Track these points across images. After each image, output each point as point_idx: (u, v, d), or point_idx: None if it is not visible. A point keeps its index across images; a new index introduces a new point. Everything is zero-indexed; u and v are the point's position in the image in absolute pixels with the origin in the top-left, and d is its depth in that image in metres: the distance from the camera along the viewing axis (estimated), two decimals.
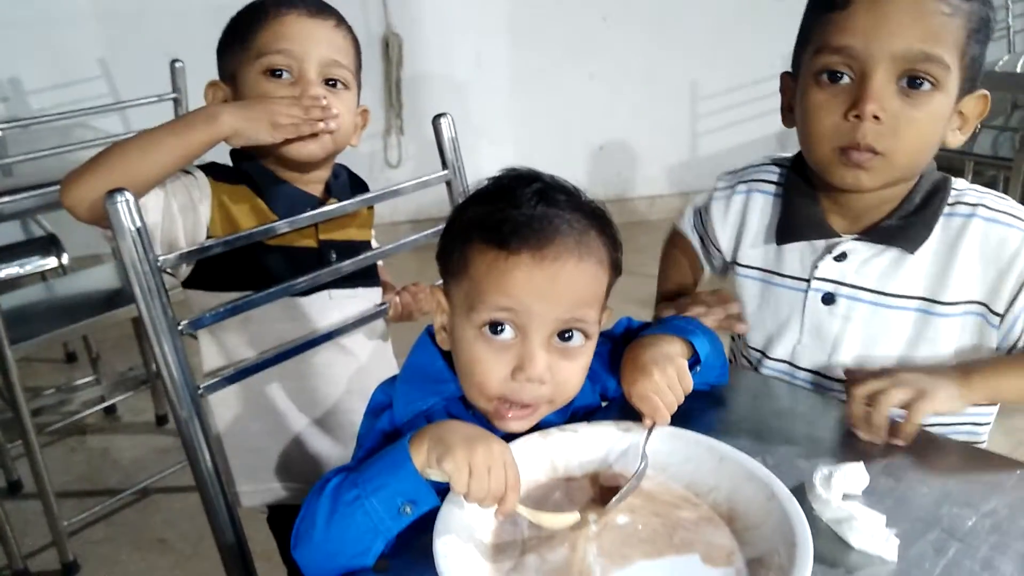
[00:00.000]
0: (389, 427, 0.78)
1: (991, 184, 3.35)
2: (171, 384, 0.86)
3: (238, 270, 1.02)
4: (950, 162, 2.89)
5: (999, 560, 0.64)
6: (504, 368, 0.72)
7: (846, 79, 0.82)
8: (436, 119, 1.13)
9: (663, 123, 3.62)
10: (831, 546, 0.66)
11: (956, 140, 0.87)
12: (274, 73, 1.02)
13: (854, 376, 0.83)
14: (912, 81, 0.80)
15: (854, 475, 0.71)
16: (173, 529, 1.93)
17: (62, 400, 2.37)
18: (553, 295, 0.70)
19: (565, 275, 0.71)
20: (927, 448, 0.80)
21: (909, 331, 0.90)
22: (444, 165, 1.15)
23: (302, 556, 0.68)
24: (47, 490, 1.71)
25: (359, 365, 1.15)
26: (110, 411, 2.38)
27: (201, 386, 0.90)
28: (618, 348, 0.86)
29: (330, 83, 1.05)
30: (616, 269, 0.77)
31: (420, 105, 3.30)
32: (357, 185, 1.18)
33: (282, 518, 1.19)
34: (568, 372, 0.74)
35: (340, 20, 1.07)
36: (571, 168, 3.59)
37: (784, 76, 0.93)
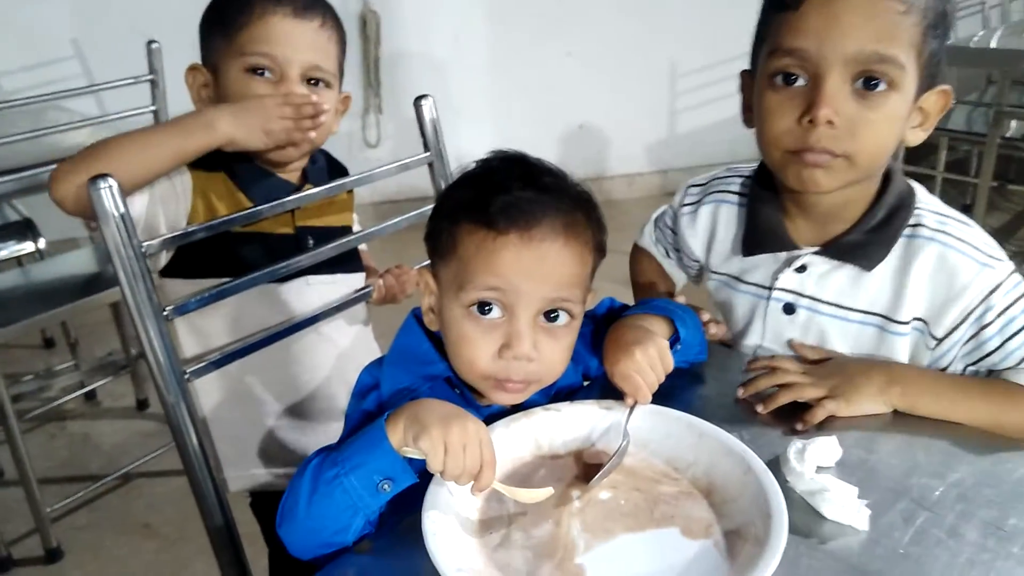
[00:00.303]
0: (375, 407, 0.79)
1: (965, 159, 3.39)
2: (157, 369, 0.86)
3: (215, 258, 1.02)
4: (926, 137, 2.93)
5: (964, 528, 0.67)
6: (492, 346, 0.74)
7: (800, 81, 0.81)
8: (418, 101, 1.13)
9: (642, 101, 3.63)
10: (805, 517, 0.68)
11: (917, 138, 0.86)
12: (256, 71, 1.02)
13: (779, 361, 0.87)
14: (867, 82, 0.79)
15: (827, 448, 0.74)
16: (157, 513, 1.94)
17: (41, 386, 2.35)
18: (540, 275, 0.72)
19: (552, 256, 0.72)
20: (897, 421, 0.82)
21: (865, 344, 0.90)
22: (426, 147, 1.15)
23: (287, 533, 0.70)
24: (29, 477, 1.71)
25: (340, 351, 1.16)
26: (90, 396, 2.37)
27: (187, 371, 0.90)
28: (600, 328, 0.88)
29: (312, 82, 1.05)
30: (601, 251, 0.79)
31: (398, 84, 3.28)
32: (335, 170, 1.18)
33: (265, 503, 1.20)
34: (553, 351, 0.76)
35: (325, 18, 1.06)
36: (550, 147, 3.59)
37: (743, 74, 0.92)
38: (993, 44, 2.42)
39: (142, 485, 2.03)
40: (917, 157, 3.13)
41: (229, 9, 1.03)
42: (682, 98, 3.64)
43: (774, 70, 0.82)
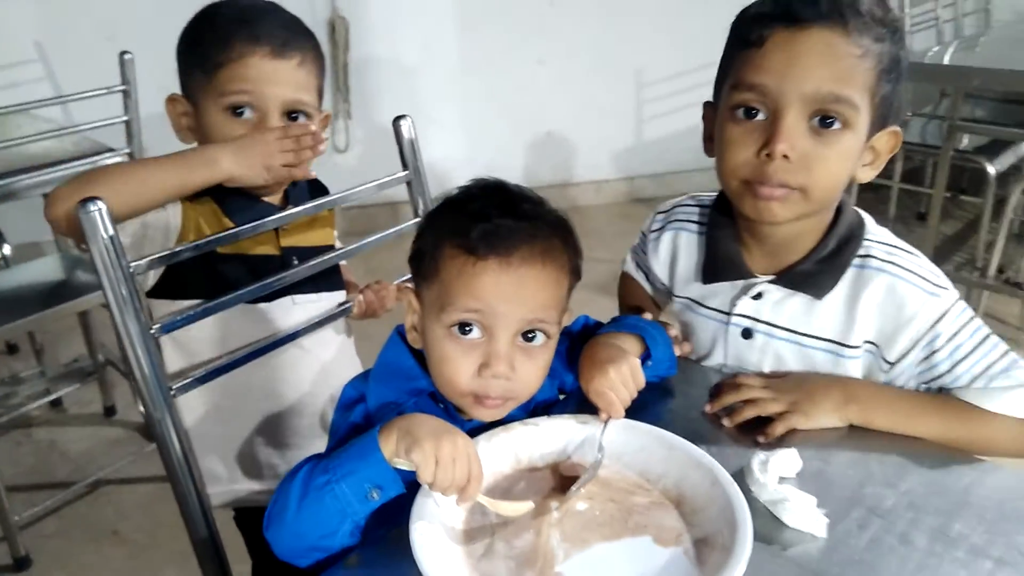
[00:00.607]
0: (363, 420, 0.82)
1: (919, 169, 3.49)
2: (144, 386, 0.88)
3: (202, 280, 1.04)
4: None
5: (914, 534, 0.72)
6: (472, 365, 0.78)
7: (760, 115, 0.85)
8: (396, 121, 1.15)
9: (609, 108, 3.68)
10: (768, 525, 0.73)
11: (866, 176, 0.91)
12: (236, 111, 1.03)
13: (743, 378, 0.92)
14: (823, 120, 0.83)
15: (788, 460, 0.79)
16: (126, 520, 1.93)
17: (6, 393, 2.32)
18: (518, 298, 0.76)
19: (529, 279, 0.76)
20: (853, 434, 0.88)
21: (821, 368, 0.95)
22: (404, 165, 1.18)
23: (274, 536, 0.73)
24: None
25: (322, 366, 1.18)
26: (56, 403, 2.34)
27: (173, 387, 0.92)
28: (576, 345, 0.92)
29: (293, 116, 1.07)
30: (576, 275, 0.83)
31: (367, 89, 3.29)
32: (316, 189, 1.20)
33: (248, 516, 1.21)
34: (530, 369, 0.80)
35: (305, 55, 1.07)
36: (519, 153, 3.63)
37: (706, 105, 0.96)
38: (946, 60, 2.51)
39: (110, 492, 2.03)
40: None
41: (207, 46, 1.03)
42: (649, 106, 3.71)
43: (736, 103, 0.86)
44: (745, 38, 0.85)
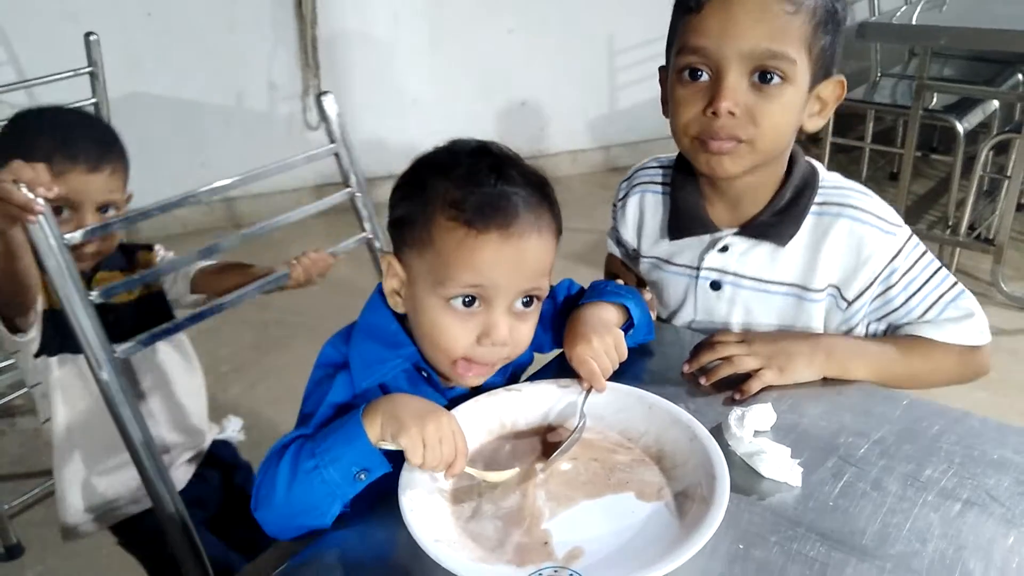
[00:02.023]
0: (347, 396, 0.82)
1: (891, 129, 3.53)
2: (90, 350, 0.98)
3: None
4: (854, 110, 3.06)
5: (886, 480, 0.75)
6: (469, 335, 0.79)
7: (704, 76, 0.89)
8: (319, 97, 1.23)
9: (582, 77, 3.68)
10: (745, 477, 0.75)
11: (815, 124, 0.94)
12: (55, 209, 1.05)
13: (720, 336, 0.94)
14: (763, 76, 0.87)
15: (763, 414, 0.81)
16: None
17: None
18: (518, 270, 0.77)
19: (529, 250, 0.77)
20: (827, 388, 0.91)
21: (786, 312, 0.99)
22: (331, 140, 1.25)
23: (263, 517, 0.75)
24: None
25: (177, 397, 1.33)
26: None
27: (117, 350, 1.00)
28: (557, 310, 0.94)
29: (103, 209, 1.19)
30: (560, 232, 0.84)
31: (337, 64, 3.26)
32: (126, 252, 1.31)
33: (126, 530, 1.32)
34: (523, 332, 0.82)
35: (115, 164, 1.19)
36: (493, 124, 3.61)
37: (660, 70, 0.99)
38: (914, 20, 2.52)
39: None
40: (845, 129, 3.26)
41: (20, 151, 1.01)
42: (621, 73, 3.70)
43: (681, 66, 0.90)
44: (686, 3, 0.89)
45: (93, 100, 1.76)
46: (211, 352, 2.32)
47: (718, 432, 0.79)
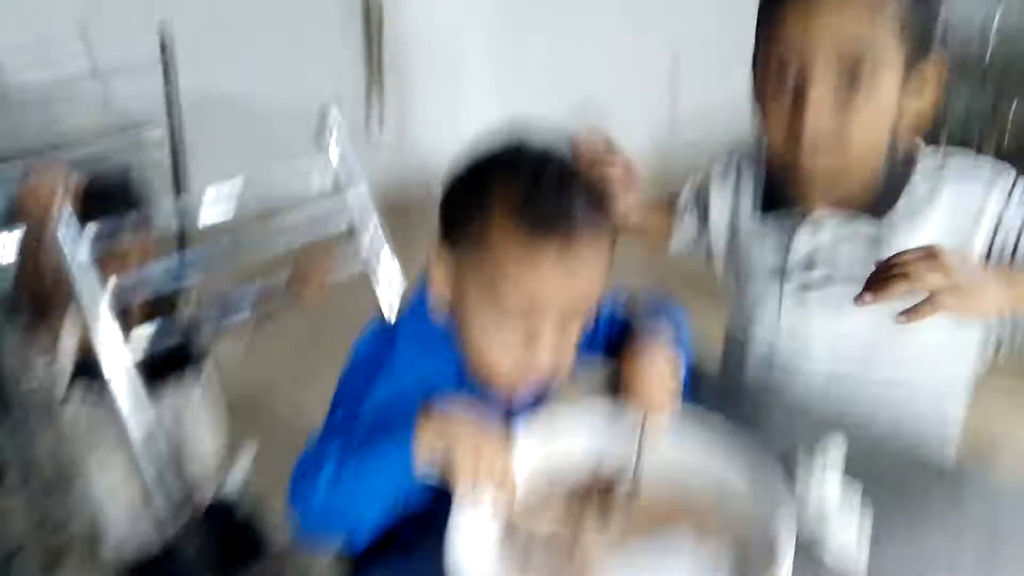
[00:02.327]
0: (390, 395, 0.78)
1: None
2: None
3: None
4: None
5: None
6: (516, 352, 0.75)
7: (790, 80, 0.86)
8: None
9: (646, 83, 3.63)
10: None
11: (915, 107, 0.89)
12: None
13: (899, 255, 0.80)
14: (851, 80, 0.84)
15: (833, 449, 0.77)
16: None
17: None
18: (574, 291, 0.74)
19: (587, 270, 0.74)
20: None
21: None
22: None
23: (303, 513, 0.74)
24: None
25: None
26: None
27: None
28: (598, 330, 0.89)
29: None
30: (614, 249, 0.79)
31: (404, 66, 3.28)
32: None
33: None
34: (568, 348, 0.78)
35: None
36: (557, 121, 3.55)
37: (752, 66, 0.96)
38: None
39: None
40: None
41: None
42: (686, 76, 3.64)
43: (767, 70, 0.89)
44: (769, 10, 0.88)
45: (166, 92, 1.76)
46: None
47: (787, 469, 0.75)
